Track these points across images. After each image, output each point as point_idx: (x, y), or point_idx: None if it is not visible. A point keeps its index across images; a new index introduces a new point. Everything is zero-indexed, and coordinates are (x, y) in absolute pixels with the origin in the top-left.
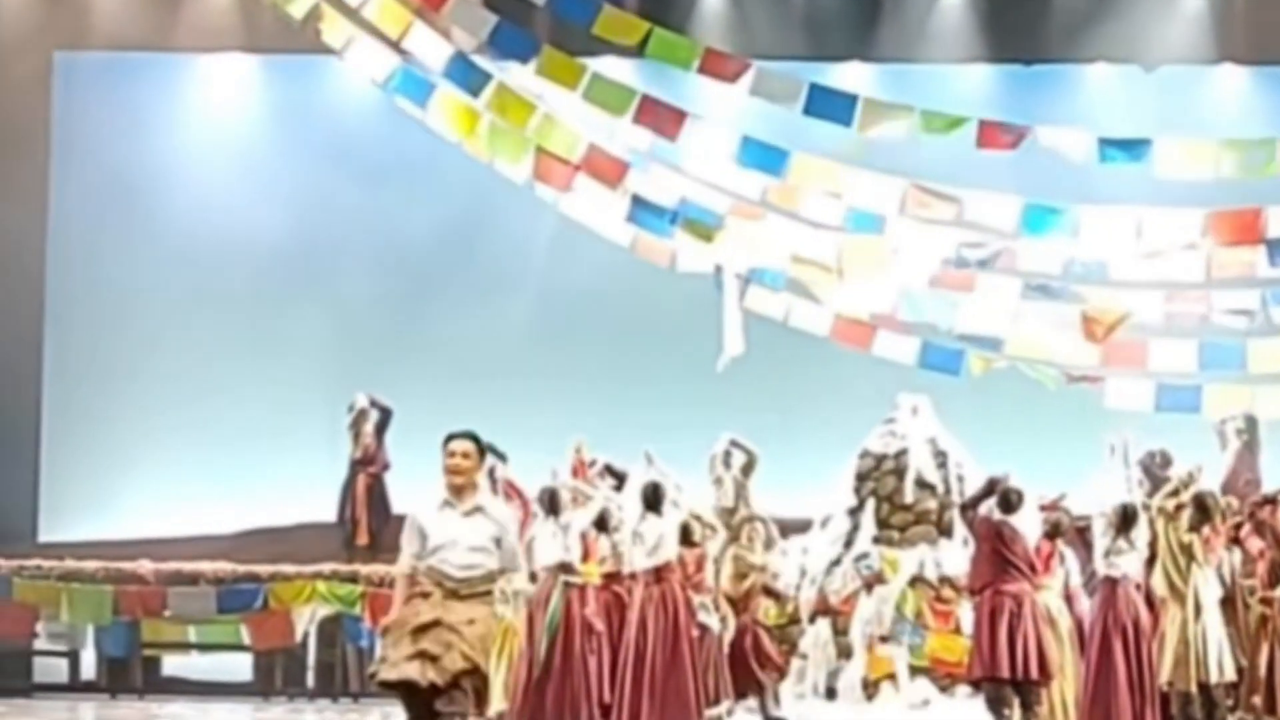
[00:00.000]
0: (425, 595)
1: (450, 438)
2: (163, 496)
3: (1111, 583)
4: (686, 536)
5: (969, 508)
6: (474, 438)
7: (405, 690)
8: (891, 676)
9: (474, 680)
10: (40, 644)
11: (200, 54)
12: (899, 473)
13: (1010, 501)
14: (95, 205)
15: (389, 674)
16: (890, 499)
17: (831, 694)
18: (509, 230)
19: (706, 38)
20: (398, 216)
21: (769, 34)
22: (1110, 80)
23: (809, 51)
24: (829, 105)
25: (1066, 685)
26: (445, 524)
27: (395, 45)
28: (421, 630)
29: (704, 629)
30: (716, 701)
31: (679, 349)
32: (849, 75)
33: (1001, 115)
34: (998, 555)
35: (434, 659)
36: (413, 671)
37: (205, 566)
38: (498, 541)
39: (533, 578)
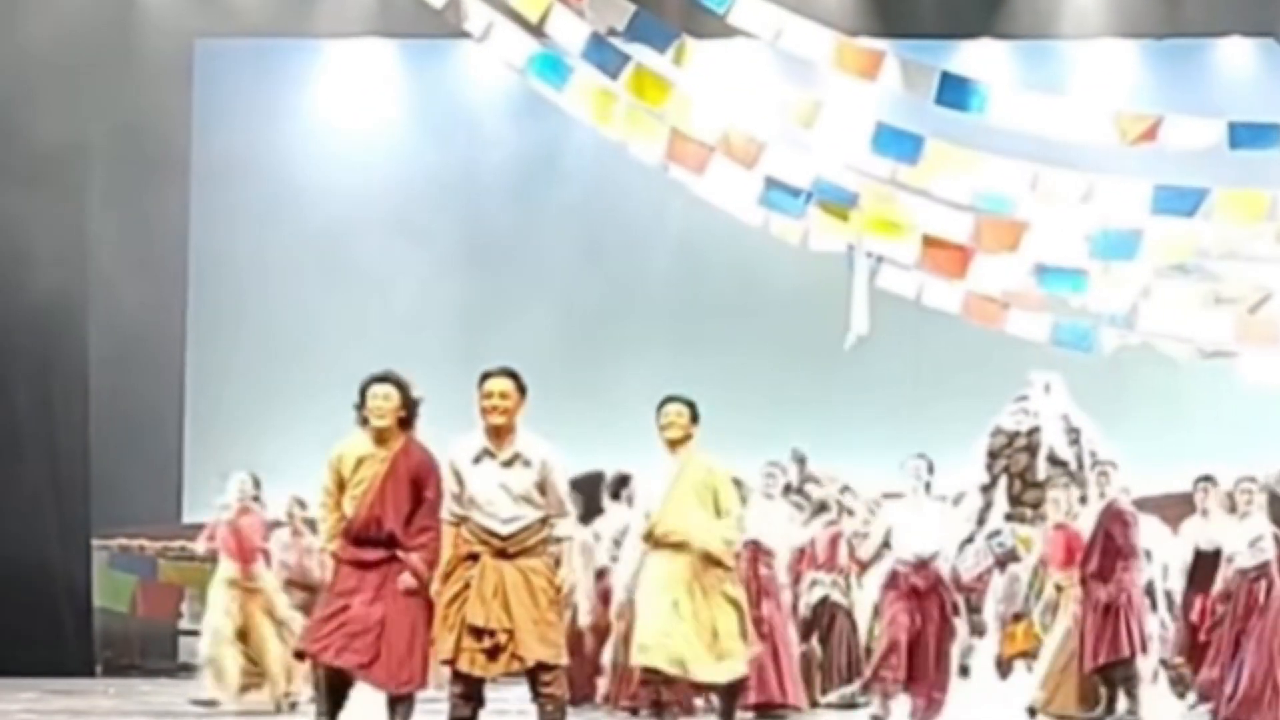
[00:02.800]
0: (473, 557)
1: (486, 376)
2: (303, 479)
3: None
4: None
5: None
6: (512, 374)
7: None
8: (1025, 654)
9: (555, 672)
10: (184, 624)
11: (338, 39)
12: (1031, 450)
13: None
14: (235, 190)
15: (465, 665)
16: (1023, 476)
17: (965, 671)
18: (640, 214)
19: (837, 17)
20: (531, 200)
21: (900, 12)
22: (1243, 54)
23: (941, 29)
24: (961, 93)
25: None
26: (484, 475)
27: (535, 29)
28: (481, 632)
29: (836, 608)
30: (849, 681)
31: (808, 328)
32: (981, 52)
33: (1132, 91)
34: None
35: (506, 654)
36: (479, 668)
37: None
38: (540, 488)
39: None
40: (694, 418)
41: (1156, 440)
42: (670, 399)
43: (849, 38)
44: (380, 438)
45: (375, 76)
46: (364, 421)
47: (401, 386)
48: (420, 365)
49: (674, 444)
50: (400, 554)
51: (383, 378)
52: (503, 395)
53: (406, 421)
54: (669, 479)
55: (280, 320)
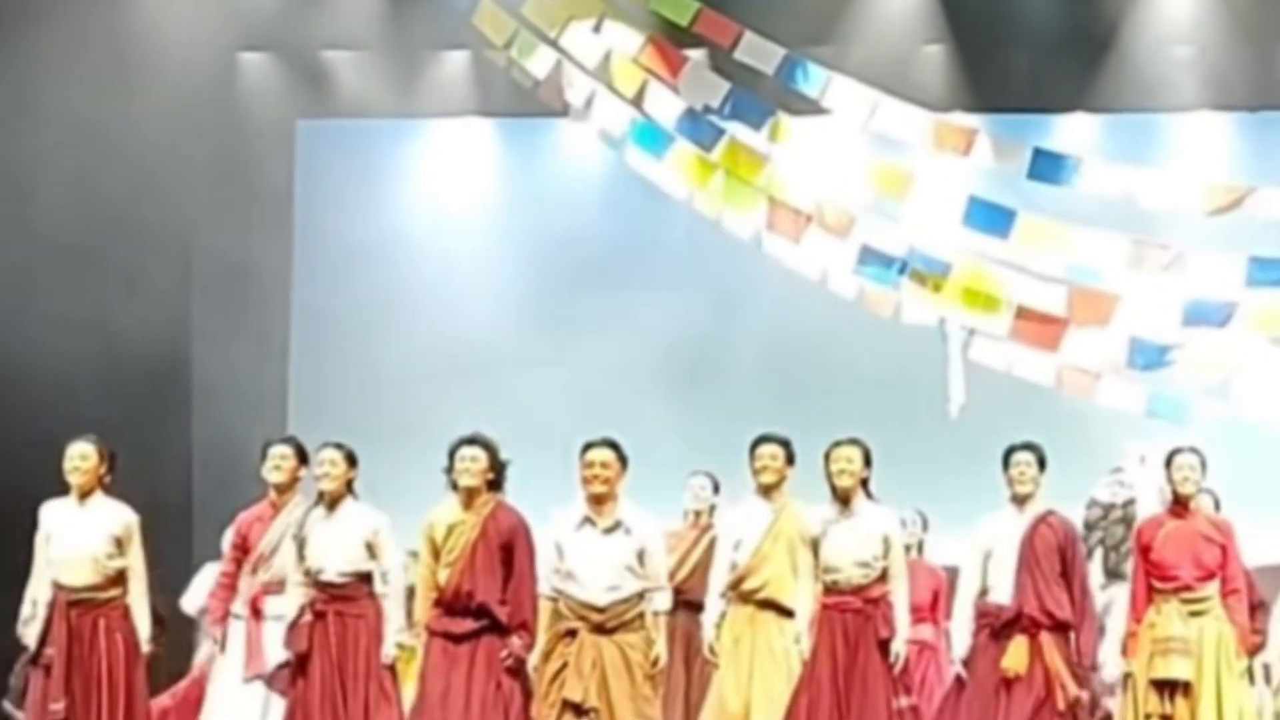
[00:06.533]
0: (571, 634)
1: (588, 446)
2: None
3: None
4: None
5: None
6: (613, 445)
7: None
8: None
9: None
10: None
11: (437, 119)
12: (1127, 522)
13: None
14: (337, 270)
15: None
16: (1118, 548)
17: None
18: (734, 290)
19: (930, 93)
20: (626, 277)
21: (993, 87)
22: None
23: (1034, 103)
24: (1053, 168)
25: None
26: (585, 543)
27: (634, 103)
28: (580, 709)
29: None
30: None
31: (901, 403)
32: (1075, 125)
33: (1224, 163)
34: None
35: None
36: None
37: None
38: (640, 557)
39: None
40: (789, 459)
41: (1251, 509)
42: (764, 438)
43: (942, 115)
44: (469, 500)
45: (474, 155)
46: (454, 485)
47: (489, 448)
48: (519, 441)
49: (768, 489)
50: (502, 639)
51: (470, 440)
52: (604, 465)
53: (495, 484)
54: (761, 530)
55: (381, 400)
